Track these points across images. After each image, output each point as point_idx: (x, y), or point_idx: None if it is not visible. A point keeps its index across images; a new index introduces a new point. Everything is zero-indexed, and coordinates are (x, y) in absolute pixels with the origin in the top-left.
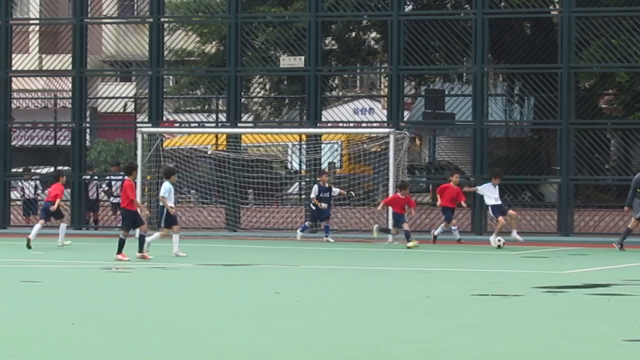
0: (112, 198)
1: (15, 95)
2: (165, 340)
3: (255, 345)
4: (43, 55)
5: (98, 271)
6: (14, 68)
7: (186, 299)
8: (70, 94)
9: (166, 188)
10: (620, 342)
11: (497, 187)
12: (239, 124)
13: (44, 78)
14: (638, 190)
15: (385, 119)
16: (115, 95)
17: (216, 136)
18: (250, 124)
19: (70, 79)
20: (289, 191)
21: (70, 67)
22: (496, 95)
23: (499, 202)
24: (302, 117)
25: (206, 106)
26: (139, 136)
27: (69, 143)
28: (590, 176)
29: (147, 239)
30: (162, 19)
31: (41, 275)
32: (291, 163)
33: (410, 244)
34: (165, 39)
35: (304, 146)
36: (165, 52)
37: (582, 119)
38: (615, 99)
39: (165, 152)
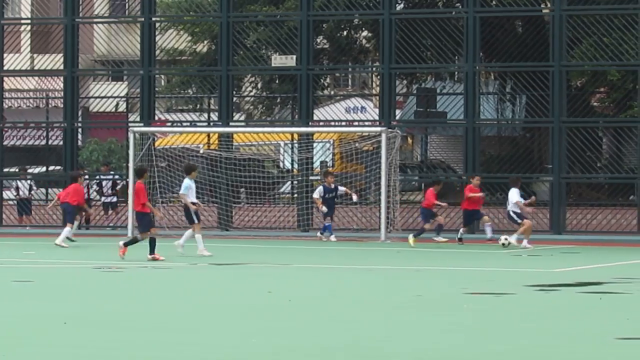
0: (102, 198)
1: (7, 95)
2: (156, 339)
3: (247, 345)
4: (35, 55)
5: (90, 271)
6: (5, 68)
7: (177, 298)
8: (62, 93)
9: (186, 185)
10: (612, 340)
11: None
12: (230, 123)
13: (36, 78)
14: None
15: (377, 117)
16: (107, 95)
17: (208, 135)
18: (242, 123)
19: (62, 78)
20: (281, 190)
21: (62, 67)
22: (488, 93)
23: None
24: (293, 116)
25: (198, 105)
26: (130, 136)
27: (61, 143)
28: (582, 174)
29: (179, 241)
30: (153, 19)
31: (33, 274)
32: (283, 162)
33: (411, 241)
34: (157, 38)
35: (296, 145)
36: (157, 52)
37: (574, 117)
38: (607, 97)
39: (157, 151)
